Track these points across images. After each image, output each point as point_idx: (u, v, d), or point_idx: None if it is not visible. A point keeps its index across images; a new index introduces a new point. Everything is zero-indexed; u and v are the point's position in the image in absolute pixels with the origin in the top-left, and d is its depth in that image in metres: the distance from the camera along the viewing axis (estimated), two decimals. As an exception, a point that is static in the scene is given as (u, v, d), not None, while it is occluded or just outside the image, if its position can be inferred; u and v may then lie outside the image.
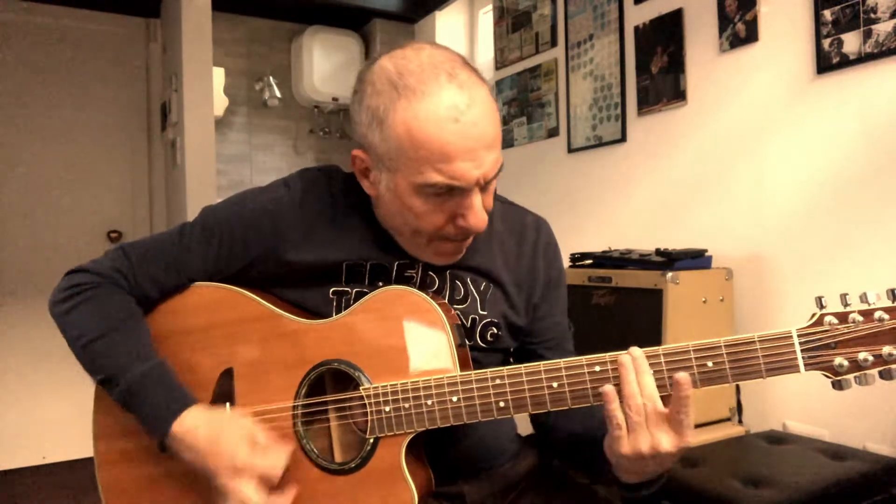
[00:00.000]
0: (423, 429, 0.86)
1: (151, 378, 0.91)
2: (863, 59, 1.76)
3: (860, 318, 0.73)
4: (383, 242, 0.96)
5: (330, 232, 0.96)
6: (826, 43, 1.84)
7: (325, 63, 3.77)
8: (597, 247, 2.32)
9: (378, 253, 0.96)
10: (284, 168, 3.90)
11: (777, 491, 1.43)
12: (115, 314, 0.94)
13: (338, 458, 0.92)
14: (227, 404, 0.94)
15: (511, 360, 1.07)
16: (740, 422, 2.02)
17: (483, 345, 0.98)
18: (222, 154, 3.67)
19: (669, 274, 1.87)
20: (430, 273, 0.97)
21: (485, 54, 3.64)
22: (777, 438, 1.79)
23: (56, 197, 3.44)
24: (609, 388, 0.79)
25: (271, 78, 3.77)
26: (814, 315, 0.76)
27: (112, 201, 3.58)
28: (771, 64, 2.00)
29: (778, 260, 1.99)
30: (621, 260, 2.08)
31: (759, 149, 2.05)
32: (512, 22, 3.12)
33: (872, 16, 1.73)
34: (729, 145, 2.14)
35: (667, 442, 0.80)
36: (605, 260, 2.15)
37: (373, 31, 3.91)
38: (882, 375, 0.73)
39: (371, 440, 0.87)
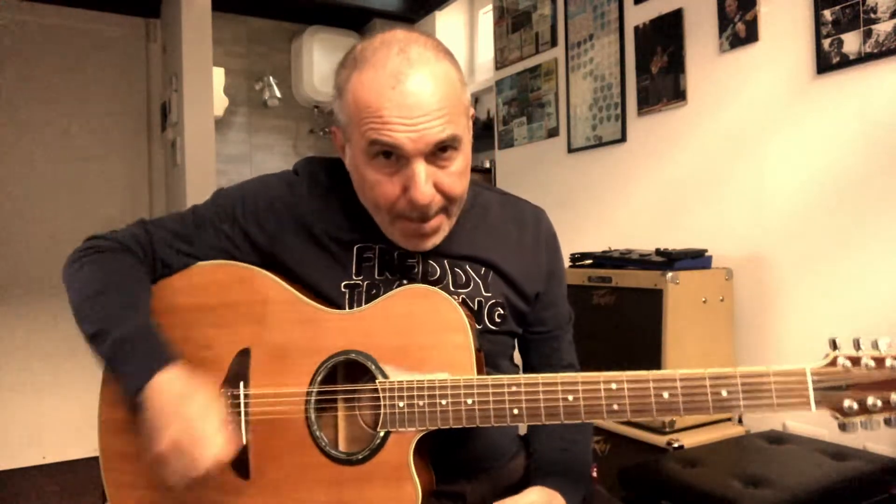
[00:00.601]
0: (435, 427, 0.86)
1: (141, 334, 0.91)
2: (863, 59, 1.76)
3: (872, 364, 0.76)
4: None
5: (339, 216, 0.98)
6: (826, 43, 1.84)
7: (325, 63, 3.77)
8: (597, 247, 2.32)
9: (383, 240, 0.97)
10: (284, 168, 3.90)
11: (777, 491, 1.43)
12: (117, 274, 0.95)
13: (342, 449, 0.92)
14: (241, 384, 0.95)
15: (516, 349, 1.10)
16: (740, 422, 2.02)
17: (493, 327, 1.00)
18: (222, 154, 3.67)
19: (669, 274, 1.87)
20: (431, 262, 0.98)
21: (485, 54, 3.64)
22: (777, 438, 1.79)
23: (56, 197, 3.44)
24: None
25: (271, 78, 3.77)
26: (827, 355, 0.78)
27: (112, 201, 3.58)
28: (771, 64, 2.00)
29: (778, 260, 1.98)
30: (621, 260, 2.07)
31: (759, 149, 2.05)
32: (512, 22, 3.12)
33: (872, 16, 1.73)
34: (729, 145, 2.14)
35: None
36: (605, 260, 2.15)
37: (373, 31, 3.88)
38: (887, 422, 0.76)
39: (381, 434, 0.88)
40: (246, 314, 0.96)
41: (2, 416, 3.24)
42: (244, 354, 0.95)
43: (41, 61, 3.41)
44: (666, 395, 0.80)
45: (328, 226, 0.98)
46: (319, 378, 0.92)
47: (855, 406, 0.75)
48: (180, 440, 0.82)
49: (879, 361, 0.75)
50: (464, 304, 0.96)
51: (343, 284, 0.96)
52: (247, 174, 3.81)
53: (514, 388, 0.84)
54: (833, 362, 0.77)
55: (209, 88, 3.19)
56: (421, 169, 0.86)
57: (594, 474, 1.11)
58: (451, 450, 0.95)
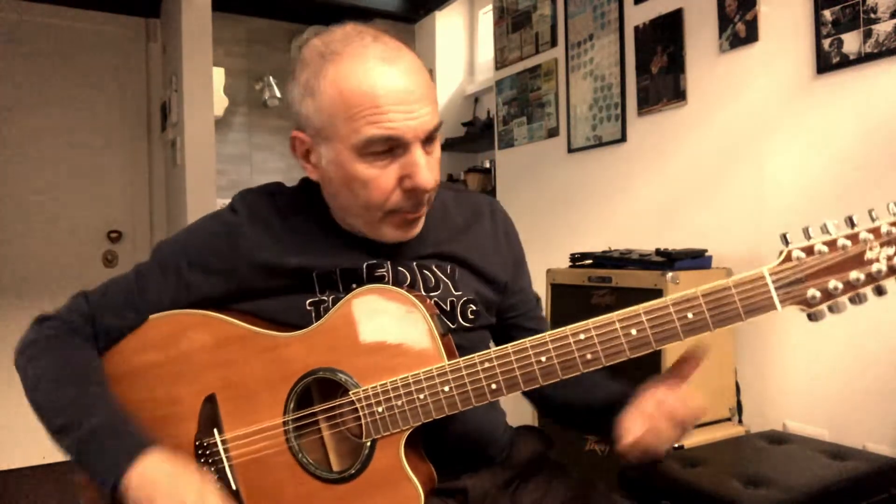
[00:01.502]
0: (419, 423, 0.85)
1: (103, 429, 0.88)
2: (863, 59, 1.76)
3: (825, 249, 0.75)
4: (347, 245, 0.95)
5: (291, 246, 0.95)
6: (826, 43, 1.84)
7: (325, 63, 3.77)
8: (597, 247, 2.32)
9: (344, 257, 0.95)
10: (284, 168, 3.90)
11: (777, 491, 1.43)
12: (72, 364, 0.93)
13: (335, 467, 0.91)
14: (216, 431, 0.93)
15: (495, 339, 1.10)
16: (740, 422, 2.02)
17: (467, 324, 0.98)
18: (222, 154, 3.67)
19: (669, 274, 1.87)
20: (400, 269, 0.96)
21: (485, 54, 3.64)
22: (777, 438, 1.79)
23: (56, 197, 3.44)
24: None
25: (271, 78, 3.77)
26: (781, 252, 0.77)
27: (112, 201, 3.58)
28: (771, 64, 2.00)
29: (778, 260, 1.98)
30: (621, 260, 2.07)
31: (759, 149, 2.05)
32: (512, 22, 3.12)
33: (872, 16, 1.73)
34: (729, 145, 2.14)
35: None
36: (605, 260, 2.15)
37: (373, 32, 3.91)
38: (852, 301, 0.75)
39: (368, 443, 0.86)
40: (203, 360, 0.94)
41: (2, 416, 3.25)
42: (211, 401, 0.93)
43: (41, 61, 3.41)
44: (634, 331, 0.80)
45: (280, 256, 0.94)
46: (292, 404, 0.90)
47: (818, 294, 0.75)
48: None
49: (831, 244, 0.75)
50: (436, 306, 0.95)
51: (308, 303, 0.93)
52: (247, 174, 3.81)
53: (486, 364, 0.83)
54: (787, 257, 0.76)
55: (209, 88, 3.19)
56: (421, 155, 0.85)
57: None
58: (441, 443, 0.94)
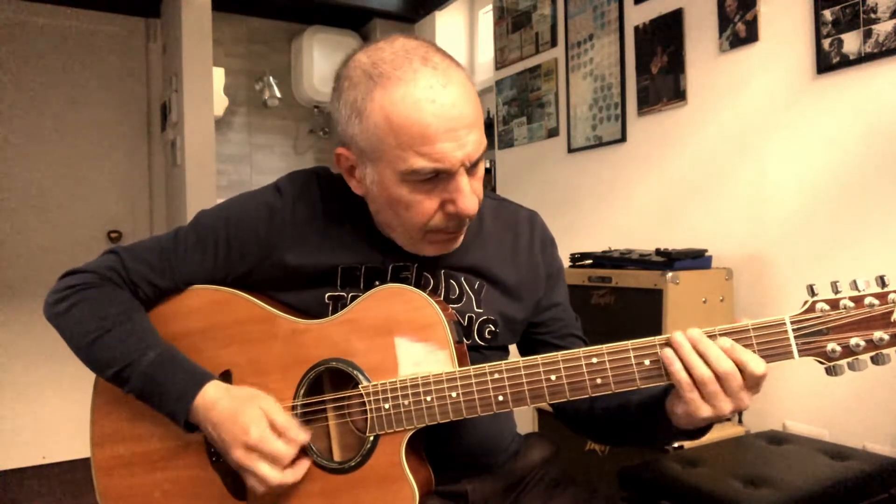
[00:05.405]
0: (423, 425, 0.86)
1: (166, 360, 0.91)
2: (863, 59, 1.76)
3: (851, 305, 0.74)
4: (377, 244, 0.96)
5: (323, 236, 0.96)
6: (826, 43, 1.84)
7: (325, 63, 3.77)
8: (597, 247, 2.32)
9: (372, 255, 0.96)
10: (284, 168, 3.91)
11: (777, 491, 1.43)
12: (117, 308, 0.94)
13: (336, 457, 0.92)
14: None
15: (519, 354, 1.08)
16: (740, 422, 2.02)
17: (482, 343, 0.99)
18: (222, 154, 3.67)
19: (669, 274, 1.87)
20: (425, 273, 0.97)
21: (485, 54, 3.64)
22: (777, 438, 1.79)
23: (56, 197, 3.44)
24: (668, 352, 0.78)
25: (271, 78, 3.77)
26: (806, 302, 0.76)
27: (112, 201, 3.58)
28: (771, 64, 2.00)
29: (778, 260, 1.98)
30: (621, 260, 2.07)
31: (758, 149, 2.05)
32: (512, 22, 3.12)
33: (872, 16, 1.73)
34: (729, 145, 2.14)
35: (747, 399, 0.78)
36: (604, 260, 2.15)
37: (373, 31, 3.91)
38: (874, 360, 0.74)
39: (371, 438, 0.88)
40: (223, 337, 0.96)
41: (2, 416, 3.25)
42: (225, 377, 0.95)
43: (40, 61, 3.41)
44: (647, 362, 0.80)
45: (312, 246, 0.96)
46: (303, 390, 0.91)
47: (838, 349, 0.74)
48: (242, 453, 0.85)
49: (858, 301, 0.74)
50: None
51: (327, 296, 0.95)
52: (247, 174, 3.82)
53: (496, 375, 0.84)
54: (811, 308, 0.75)
55: (209, 88, 3.20)
56: (465, 182, 0.85)
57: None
58: (446, 449, 0.94)
